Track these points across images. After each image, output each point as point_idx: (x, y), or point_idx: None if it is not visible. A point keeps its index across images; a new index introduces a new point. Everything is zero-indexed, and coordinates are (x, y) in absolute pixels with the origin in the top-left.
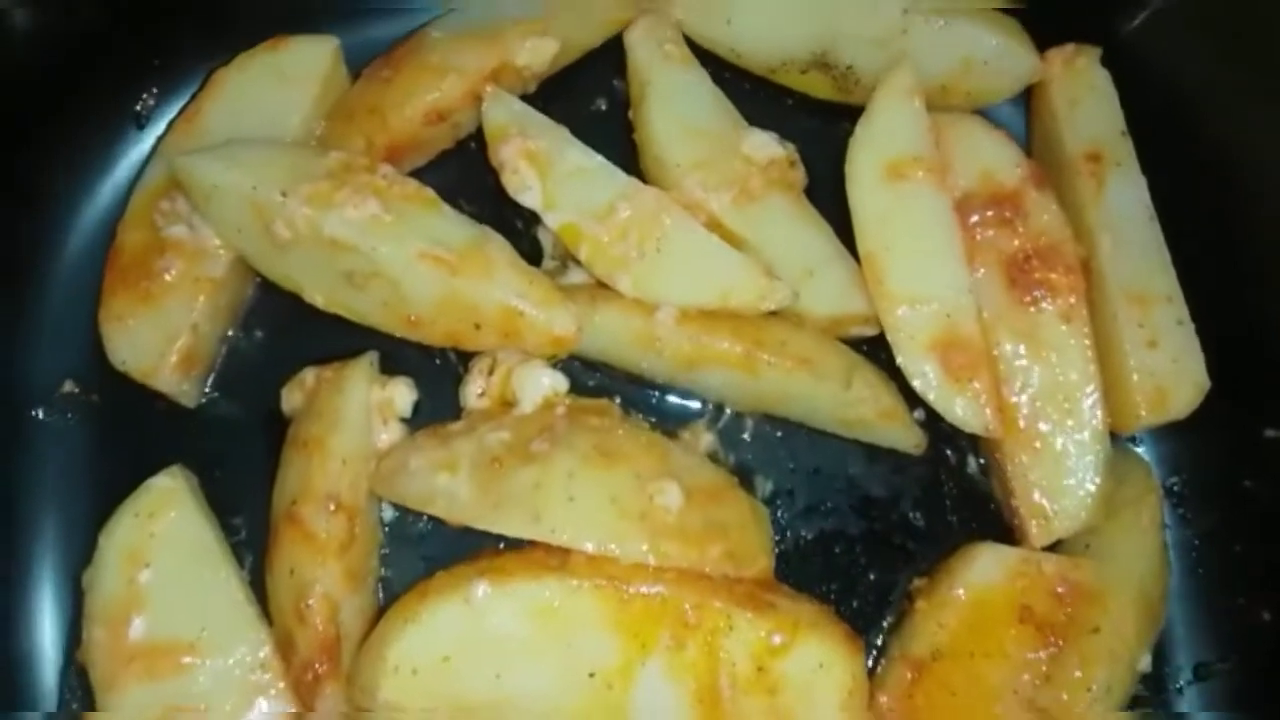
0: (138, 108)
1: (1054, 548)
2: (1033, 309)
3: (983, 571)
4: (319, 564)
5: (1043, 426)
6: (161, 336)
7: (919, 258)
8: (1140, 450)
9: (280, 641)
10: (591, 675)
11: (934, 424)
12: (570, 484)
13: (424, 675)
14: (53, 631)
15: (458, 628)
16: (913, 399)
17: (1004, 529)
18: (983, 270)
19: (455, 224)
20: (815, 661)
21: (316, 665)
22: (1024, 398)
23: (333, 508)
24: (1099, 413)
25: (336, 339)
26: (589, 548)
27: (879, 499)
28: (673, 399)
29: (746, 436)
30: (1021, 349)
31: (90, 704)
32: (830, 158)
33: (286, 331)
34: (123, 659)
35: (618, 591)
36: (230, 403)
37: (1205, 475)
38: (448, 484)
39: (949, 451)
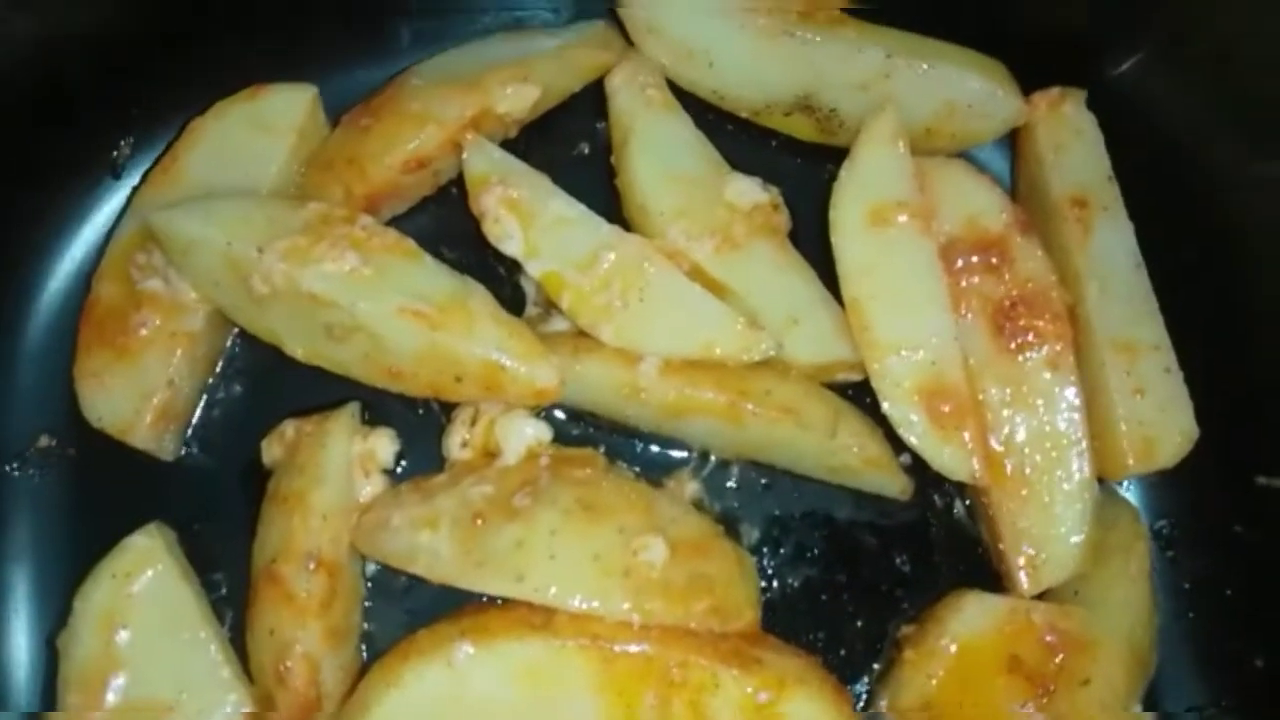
0: (114, 156)
1: (1042, 595)
2: (1019, 356)
3: (971, 621)
4: (299, 625)
5: (1030, 474)
6: (138, 393)
7: (904, 305)
8: (1129, 494)
9: (261, 701)
10: None
11: (921, 469)
12: (553, 541)
13: None
14: (28, 695)
15: (440, 690)
16: (899, 444)
17: (992, 574)
18: (969, 316)
19: (436, 275)
20: (803, 717)
21: None
22: (1011, 446)
23: (313, 566)
24: (1086, 461)
25: (318, 390)
26: (572, 607)
27: (866, 545)
28: (657, 447)
29: (732, 484)
30: (1008, 396)
31: None
32: (816, 200)
33: (266, 383)
34: None
35: (602, 651)
36: (210, 456)
37: (1195, 520)
38: (429, 541)
39: (936, 497)
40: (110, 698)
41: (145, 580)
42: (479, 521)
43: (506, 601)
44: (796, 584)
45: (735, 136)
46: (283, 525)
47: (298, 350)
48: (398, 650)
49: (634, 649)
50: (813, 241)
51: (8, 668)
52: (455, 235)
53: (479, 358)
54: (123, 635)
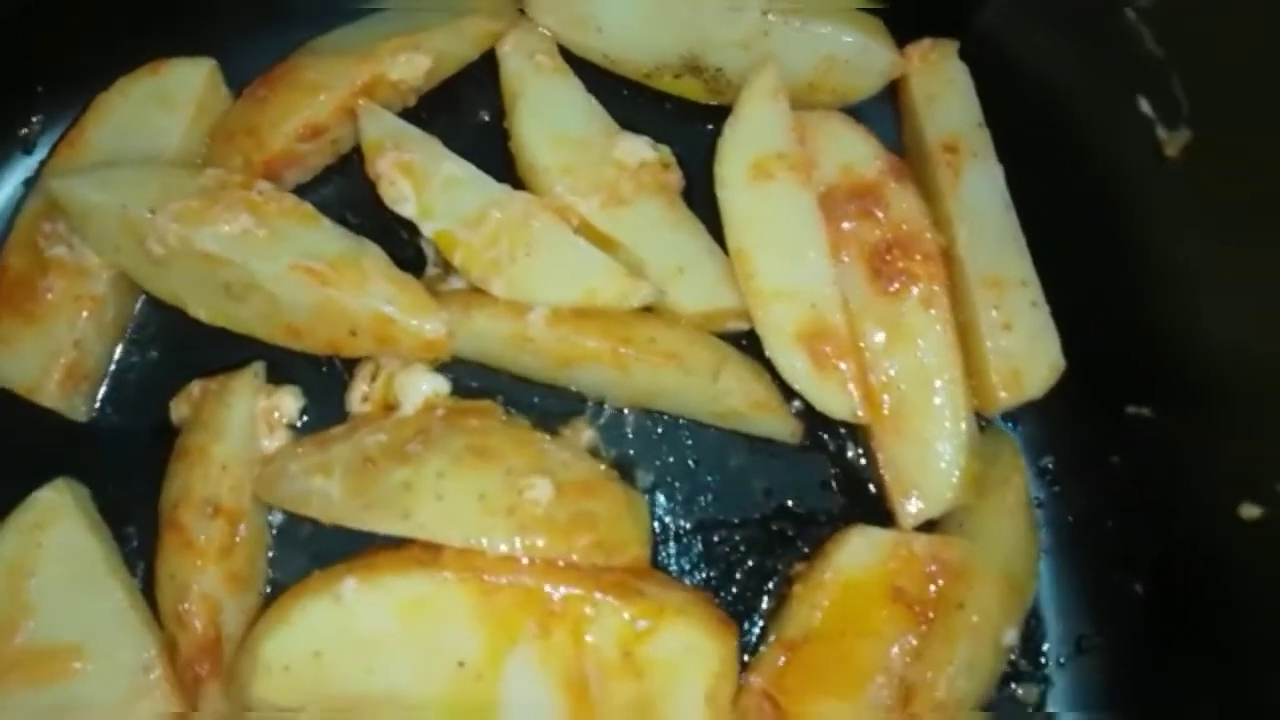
0: (24, 133)
1: (930, 530)
2: (895, 297)
3: (855, 554)
4: (197, 569)
5: (908, 410)
6: (45, 354)
7: (786, 253)
8: (1013, 432)
9: (167, 646)
10: (461, 665)
11: (813, 414)
12: (439, 483)
13: (295, 672)
14: None
15: (327, 625)
16: (788, 391)
17: (884, 514)
18: (847, 262)
19: (330, 236)
20: (681, 645)
21: (197, 666)
22: (890, 383)
23: (211, 512)
24: (961, 395)
25: (225, 351)
26: (455, 542)
27: (759, 489)
28: (554, 398)
29: (628, 431)
30: (886, 336)
31: None
32: (709, 160)
33: (175, 346)
34: (5, 665)
35: (483, 584)
36: (121, 416)
37: (1076, 455)
38: (322, 486)
39: (828, 440)
40: (17, 641)
41: (54, 532)
42: (370, 466)
43: (402, 545)
44: (689, 526)
45: (629, 100)
46: (184, 476)
47: (201, 311)
48: (290, 590)
49: (515, 581)
50: (708, 202)
51: None
52: (358, 202)
53: (370, 311)
54: (31, 584)
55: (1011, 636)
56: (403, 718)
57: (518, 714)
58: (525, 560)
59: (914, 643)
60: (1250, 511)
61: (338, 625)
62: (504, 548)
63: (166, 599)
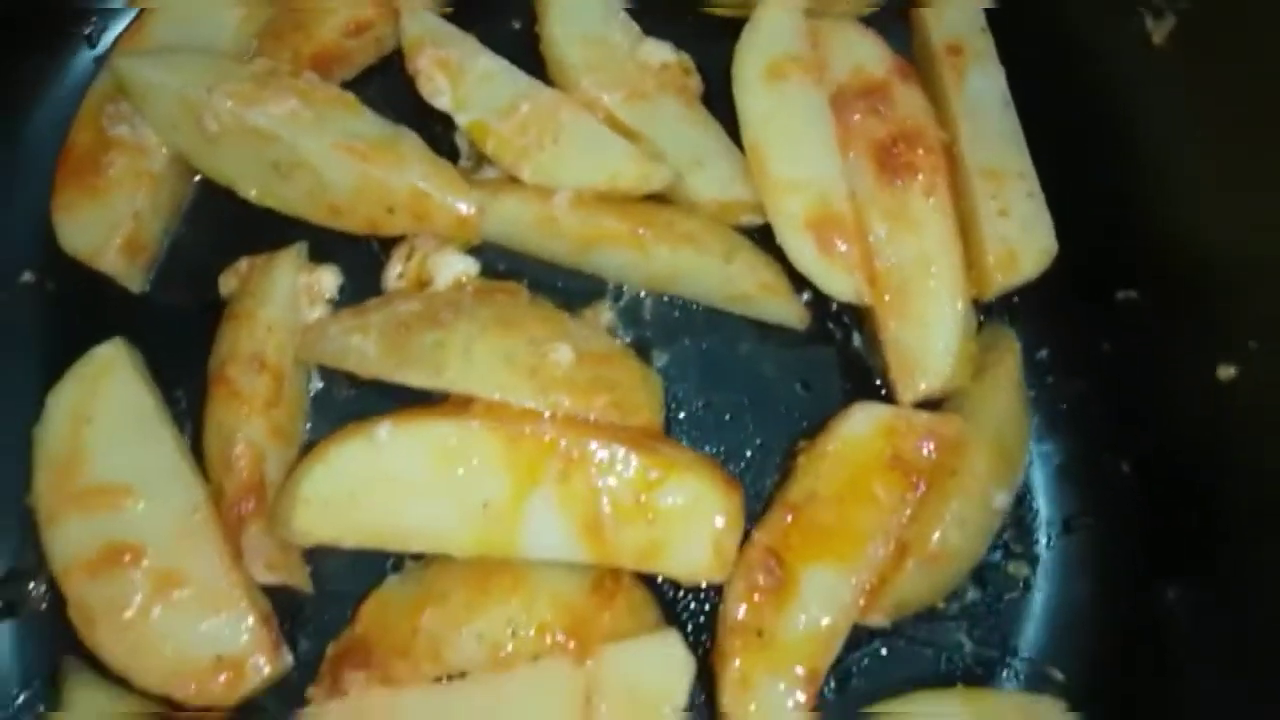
0: (88, 31)
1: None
2: (899, 188)
3: (857, 425)
4: (244, 417)
5: (911, 293)
6: (106, 224)
7: (797, 148)
8: (1009, 326)
9: (213, 491)
10: (485, 506)
11: (820, 305)
12: (469, 344)
13: (333, 507)
14: (6, 479)
15: (363, 464)
16: (799, 282)
17: (886, 399)
18: (855, 156)
19: (371, 122)
20: (690, 496)
21: (242, 505)
22: (892, 268)
23: (258, 367)
24: (959, 279)
25: (271, 232)
26: (483, 395)
27: (768, 372)
28: (577, 281)
29: (645, 315)
30: (890, 225)
31: (36, 540)
32: (724, 73)
33: (225, 226)
34: (65, 498)
35: (508, 431)
36: (173, 289)
37: (1068, 345)
38: (360, 344)
39: (833, 329)
40: (75, 477)
41: (110, 382)
42: (404, 328)
43: (432, 407)
44: (700, 404)
45: (653, 13)
46: (232, 336)
47: (250, 191)
48: (329, 436)
49: (538, 431)
50: (726, 110)
51: (3, 453)
52: (397, 101)
53: (407, 188)
54: (89, 428)
55: (1002, 500)
56: (432, 549)
57: (537, 552)
58: (547, 414)
59: (909, 511)
60: (1227, 372)
61: (373, 465)
62: (528, 402)
63: (213, 447)
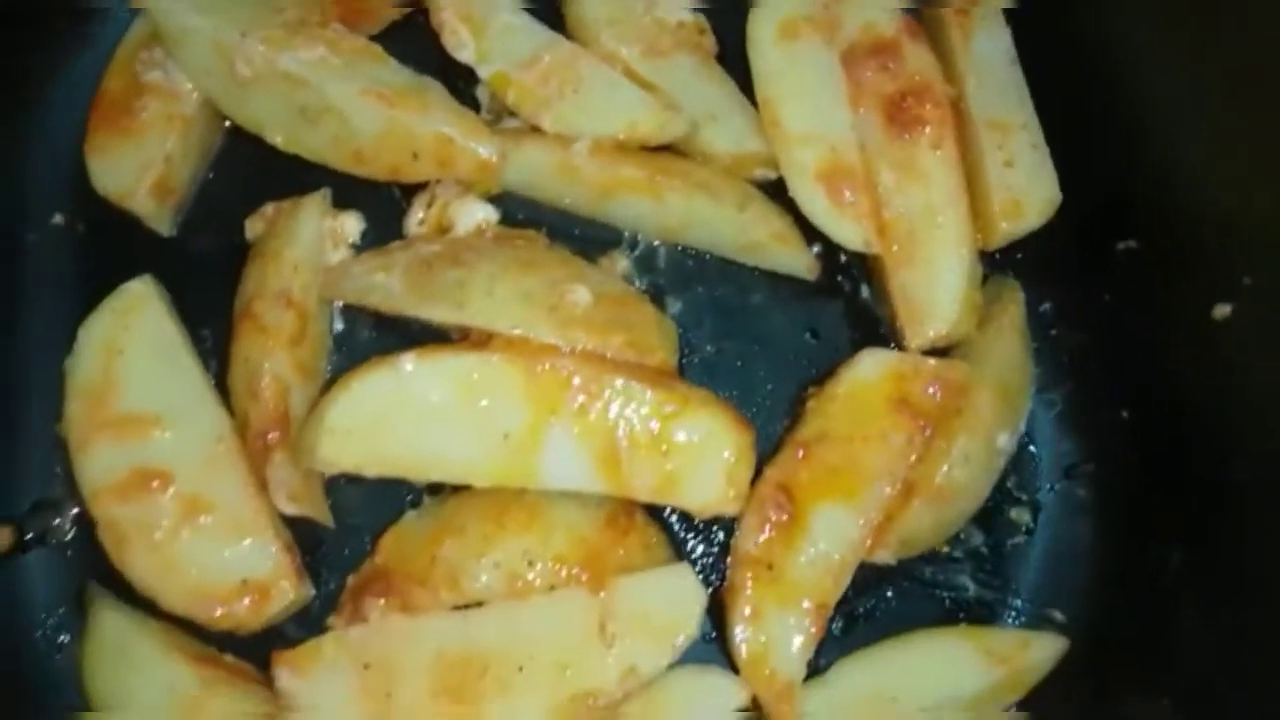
0: None
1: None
2: (907, 141)
3: (866, 370)
4: (270, 351)
5: (918, 242)
6: (137, 165)
7: (808, 102)
8: (1015, 281)
9: (238, 423)
10: (505, 437)
11: (828, 258)
12: (491, 282)
13: (357, 436)
14: (38, 413)
15: (386, 394)
16: (808, 237)
17: (894, 347)
18: (864, 111)
19: (397, 72)
20: (704, 430)
21: (268, 435)
22: (900, 218)
23: (284, 304)
24: (965, 228)
25: (296, 180)
26: (502, 330)
27: (778, 322)
28: (594, 230)
29: (660, 264)
30: (898, 176)
31: (68, 467)
32: (737, 36)
33: (251, 174)
34: (96, 425)
35: (528, 364)
36: (200, 233)
37: (1071, 297)
38: (384, 280)
39: (842, 280)
40: (106, 406)
41: (140, 316)
42: (427, 268)
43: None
44: (713, 351)
45: None
46: (259, 274)
47: (277, 137)
48: (353, 368)
49: (557, 366)
50: (738, 71)
51: (23, 390)
52: (421, 55)
53: (432, 133)
54: (120, 360)
55: (1005, 441)
56: (452, 478)
57: (555, 482)
58: (566, 350)
59: (916, 452)
60: (1222, 310)
61: (396, 395)
62: (547, 338)
63: (239, 380)
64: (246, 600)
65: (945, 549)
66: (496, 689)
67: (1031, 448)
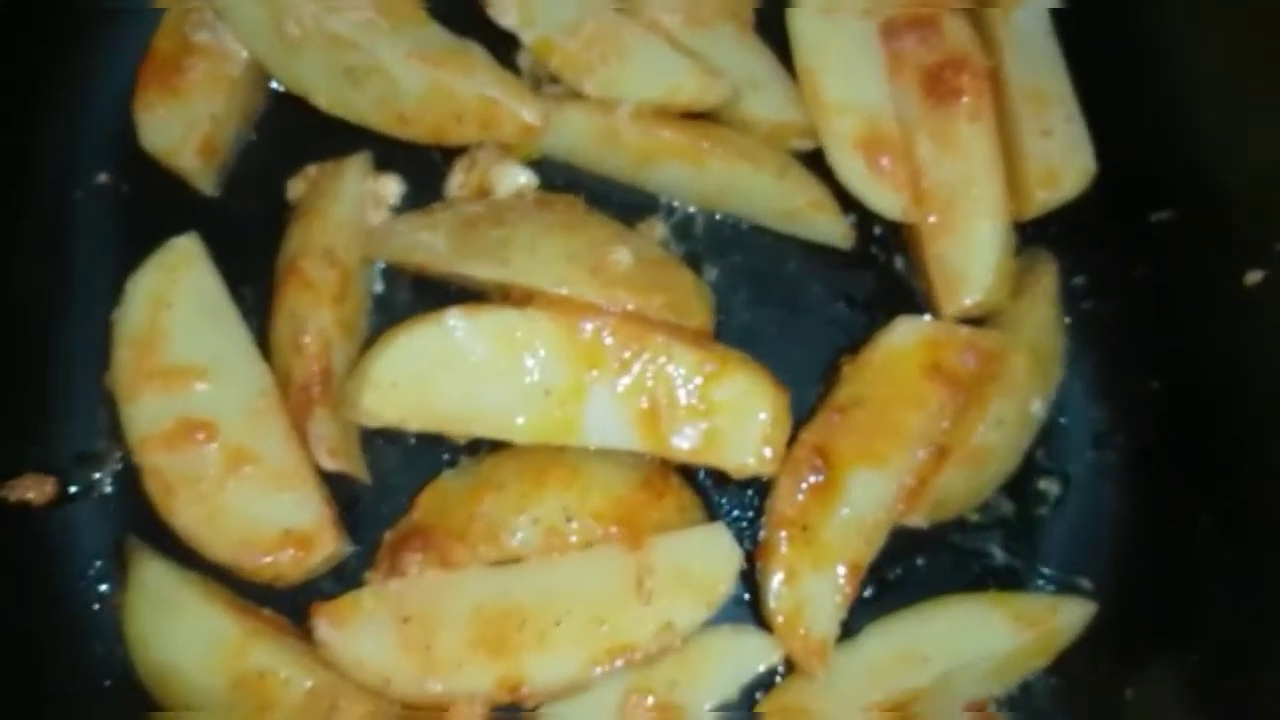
0: None
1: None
2: (945, 112)
3: (901, 336)
4: (315, 307)
5: (954, 210)
6: (185, 123)
7: (848, 72)
8: (1049, 252)
9: (280, 375)
10: (547, 394)
11: (863, 228)
12: (533, 241)
13: (401, 389)
14: (80, 369)
15: (431, 349)
16: (844, 206)
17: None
18: (902, 82)
19: (443, 34)
20: (742, 391)
21: (311, 389)
22: (937, 186)
23: (329, 261)
24: (1001, 197)
25: (337, 144)
26: (545, 288)
27: (814, 291)
28: (632, 196)
29: (697, 231)
30: (935, 146)
31: (114, 415)
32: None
33: (295, 137)
34: (143, 376)
35: (571, 322)
36: (242, 195)
37: (1104, 269)
38: (428, 238)
39: (877, 251)
40: (153, 357)
41: (187, 271)
42: (470, 227)
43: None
44: (749, 318)
45: None
46: (304, 232)
47: (321, 99)
48: (398, 324)
49: (599, 324)
50: (775, 43)
51: (67, 346)
52: (463, 22)
53: (476, 94)
54: (167, 313)
55: (1038, 408)
56: (494, 434)
57: (596, 439)
58: (607, 309)
59: (949, 418)
60: (1254, 277)
61: (441, 350)
62: (590, 297)
63: (284, 335)
64: (289, 550)
65: (975, 517)
66: (534, 642)
67: (1061, 420)
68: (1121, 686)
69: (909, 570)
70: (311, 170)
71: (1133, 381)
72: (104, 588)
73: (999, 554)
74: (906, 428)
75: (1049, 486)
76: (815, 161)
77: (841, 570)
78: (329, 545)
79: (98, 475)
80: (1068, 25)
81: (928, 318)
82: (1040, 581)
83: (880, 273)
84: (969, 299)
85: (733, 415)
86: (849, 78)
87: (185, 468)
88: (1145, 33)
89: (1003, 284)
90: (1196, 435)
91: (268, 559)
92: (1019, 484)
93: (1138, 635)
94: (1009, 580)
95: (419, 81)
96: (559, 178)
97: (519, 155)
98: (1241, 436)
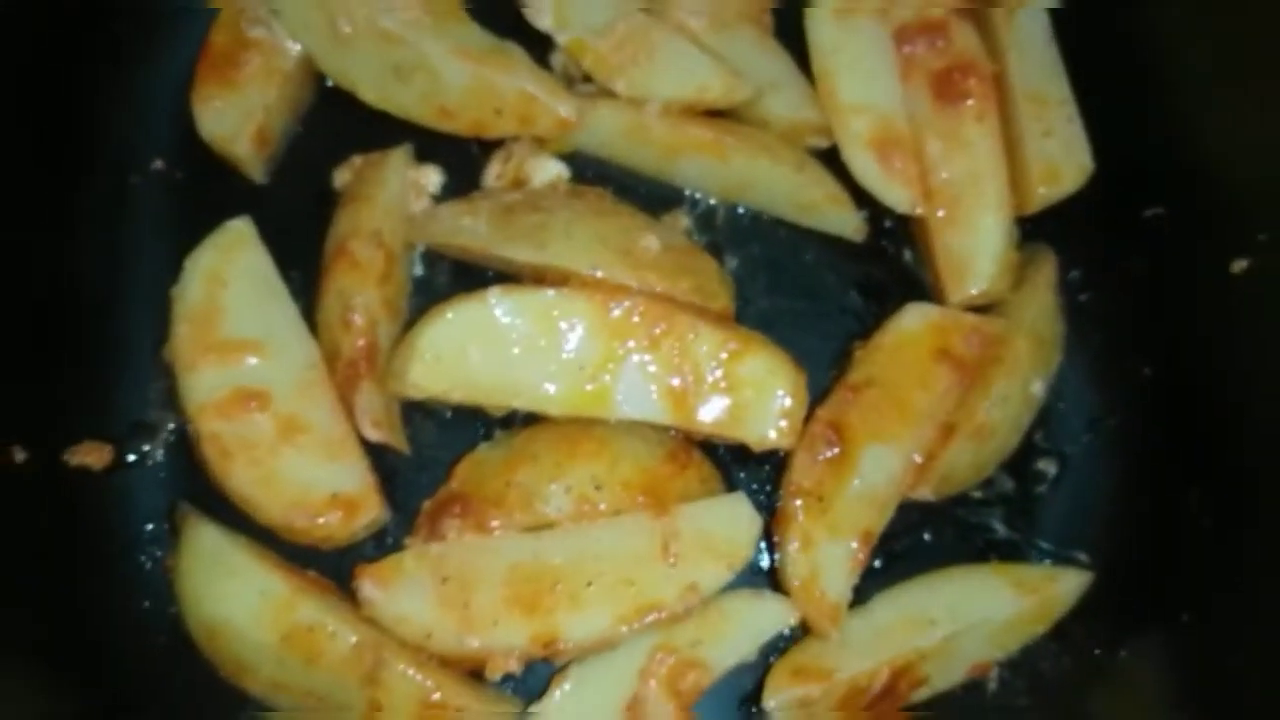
0: None
1: None
2: (953, 113)
3: (909, 322)
4: (362, 286)
5: (961, 205)
6: (240, 114)
7: (862, 74)
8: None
9: (327, 351)
10: (581, 368)
11: (875, 223)
12: (569, 226)
13: (445, 361)
14: (135, 344)
15: (473, 323)
16: (858, 200)
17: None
18: (913, 84)
19: (484, 34)
20: (764, 369)
21: (358, 363)
22: (945, 183)
23: (376, 244)
24: (1005, 192)
25: (381, 136)
26: (580, 270)
27: (828, 281)
28: (658, 189)
29: (719, 222)
30: (944, 145)
31: (173, 384)
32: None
33: (341, 129)
34: (201, 349)
35: (605, 301)
36: (290, 183)
37: (1099, 263)
38: (470, 222)
39: (887, 244)
40: (211, 331)
41: (242, 251)
42: (509, 213)
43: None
44: (767, 305)
45: None
46: (353, 216)
47: (369, 94)
48: (442, 300)
49: (631, 304)
50: (792, 47)
51: (124, 322)
52: (503, 23)
53: (516, 90)
54: (223, 290)
55: (1039, 388)
56: (531, 405)
57: (626, 412)
58: (638, 290)
59: (954, 400)
60: (1239, 265)
61: (483, 324)
62: (621, 279)
63: (332, 312)
64: (337, 513)
65: (978, 494)
66: (567, 601)
67: (1059, 404)
68: (1116, 649)
69: (916, 543)
70: (357, 160)
71: (1126, 368)
72: (157, 550)
73: (1000, 528)
74: (915, 406)
75: (1047, 466)
76: (830, 158)
77: (854, 538)
78: (374, 509)
79: (150, 445)
80: (1064, 27)
81: (934, 307)
82: (1038, 554)
83: (891, 263)
84: (974, 288)
85: (754, 392)
86: (863, 80)
87: (240, 434)
88: (1137, 36)
89: (1005, 275)
90: (1185, 418)
91: (319, 520)
92: (1019, 463)
93: (1130, 602)
94: (1009, 553)
95: (462, 77)
96: (589, 170)
97: (553, 149)
98: (1227, 418)
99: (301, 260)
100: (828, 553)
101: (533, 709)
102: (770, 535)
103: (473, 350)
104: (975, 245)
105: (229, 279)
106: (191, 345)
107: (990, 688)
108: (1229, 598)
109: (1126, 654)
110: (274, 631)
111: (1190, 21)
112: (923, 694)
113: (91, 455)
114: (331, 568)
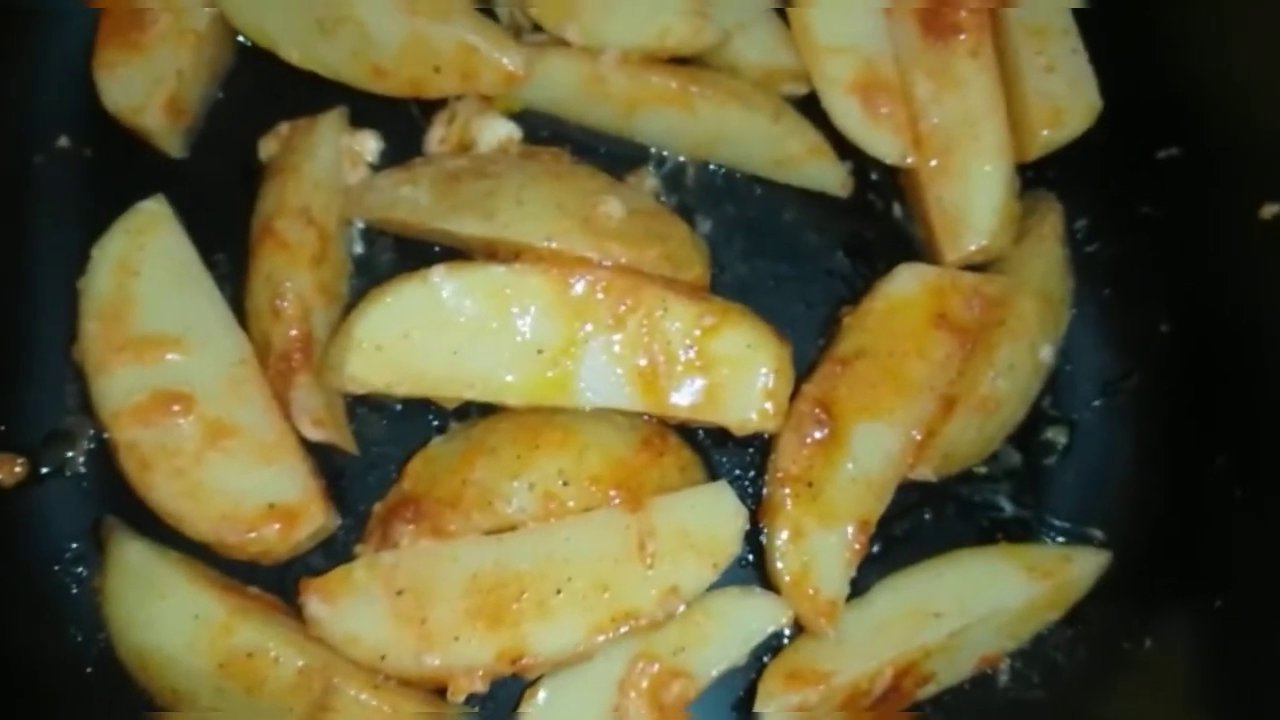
0: None
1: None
2: (944, 49)
3: (903, 284)
4: (292, 270)
5: (956, 152)
6: (149, 80)
7: (841, 10)
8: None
9: (258, 344)
10: (539, 352)
11: (860, 176)
12: (520, 192)
13: (387, 351)
14: (48, 344)
15: (417, 308)
16: (840, 151)
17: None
18: (899, 19)
19: None
20: (743, 343)
21: (292, 356)
22: (937, 128)
23: (305, 221)
24: (1004, 136)
25: (310, 99)
26: (534, 242)
27: (810, 241)
28: (620, 147)
29: (689, 182)
30: (935, 85)
31: (85, 389)
32: None
33: (265, 93)
34: (113, 348)
35: (562, 275)
36: (211, 156)
37: (1109, 210)
38: (410, 193)
39: (874, 199)
40: (123, 327)
41: (155, 236)
42: (454, 180)
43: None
44: (745, 270)
45: None
46: (278, 191)
47: (293, 53)
48: (381, 283)
49: (592, 278)
50: None
51: (32, 320)
52: None
53: (455, 42)
54: (135, 280)
55: (1047, 353)
56: (486, 397)
57: (592, 399)
58: (600, 262)
59: (956, 367)
60: (1271, 209)
61: (427, 308)
62: (581, 251)
63: (260, 299)
64: (275, 525)
65: (982, 469)
66: (534, 611)
67: (1067, 367)
68: (1140, 637)
69: (916, 524)
70: (284, 128)
71: (1140, 325)
72: (81, 571)
73: (1007, 506)
74: (912, 378)
75: (1056, 435)
76: (809, 106)
77: (850, 527)
78: (317, 519)
79: (70, 454)
80: None
81: (930, 267)
82: (1050, 533)
83: (879, 220)
84: (972, 244)
85: (733, 370)
86: (842, 17)
87: (161, 442)
88: None
89: (1006, 228)
90: (1209, 377)
91: (252, 534)
92: (1026, 434)
93: (1155, 584)
94: (1018, 533)
95: (393, 31)
96: (543, 130)
97: (501, 107)
98: (1256, 375)
99: (227, 243)
100: (820, 544)
101: None
102: (757, 527)
103: (417, 338)
104: (972, 197)
105: (141, 267)
106: (102, 344)
107: (1001, 680)
108: (1265, 576)
109: (1151, 642)
110: (210, 658)
111: None
112: (929, 691)
113: (3, 470)
114: (276, 581)
